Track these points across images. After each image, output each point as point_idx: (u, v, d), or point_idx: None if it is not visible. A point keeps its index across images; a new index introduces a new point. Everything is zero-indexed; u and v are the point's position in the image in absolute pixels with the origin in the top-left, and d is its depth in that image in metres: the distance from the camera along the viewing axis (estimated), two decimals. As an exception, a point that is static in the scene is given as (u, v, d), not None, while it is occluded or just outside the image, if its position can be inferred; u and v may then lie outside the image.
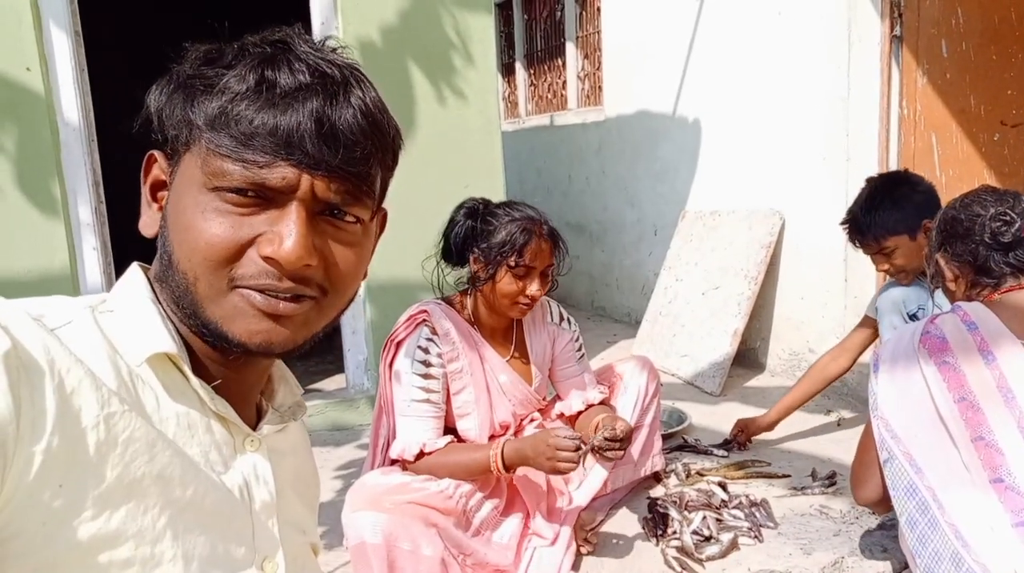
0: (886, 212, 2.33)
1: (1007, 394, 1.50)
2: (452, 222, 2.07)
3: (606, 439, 1.87)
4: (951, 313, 1.66)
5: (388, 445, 2.09)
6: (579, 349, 2.33)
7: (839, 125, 3.28)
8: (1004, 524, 1.45)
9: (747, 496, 2.33)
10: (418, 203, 3.20)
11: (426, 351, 1.99)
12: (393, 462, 2.03)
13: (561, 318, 2.31)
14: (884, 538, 2.06)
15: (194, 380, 0.69)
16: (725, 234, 3.87)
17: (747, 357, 3.88)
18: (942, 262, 1.77)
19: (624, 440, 1.90)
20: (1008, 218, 1.64)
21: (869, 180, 2.48)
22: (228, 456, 0.72)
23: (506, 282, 2.00)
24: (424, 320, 2.04)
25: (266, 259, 0.65)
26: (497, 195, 3.27)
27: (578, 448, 1.84)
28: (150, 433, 0.64)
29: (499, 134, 3.40)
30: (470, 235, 2.04)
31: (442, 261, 2.11)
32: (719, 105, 4.00)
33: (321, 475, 2.95)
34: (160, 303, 0.71)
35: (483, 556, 1.98)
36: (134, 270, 0.74)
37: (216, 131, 0.64)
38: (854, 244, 2.46)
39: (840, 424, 3.06)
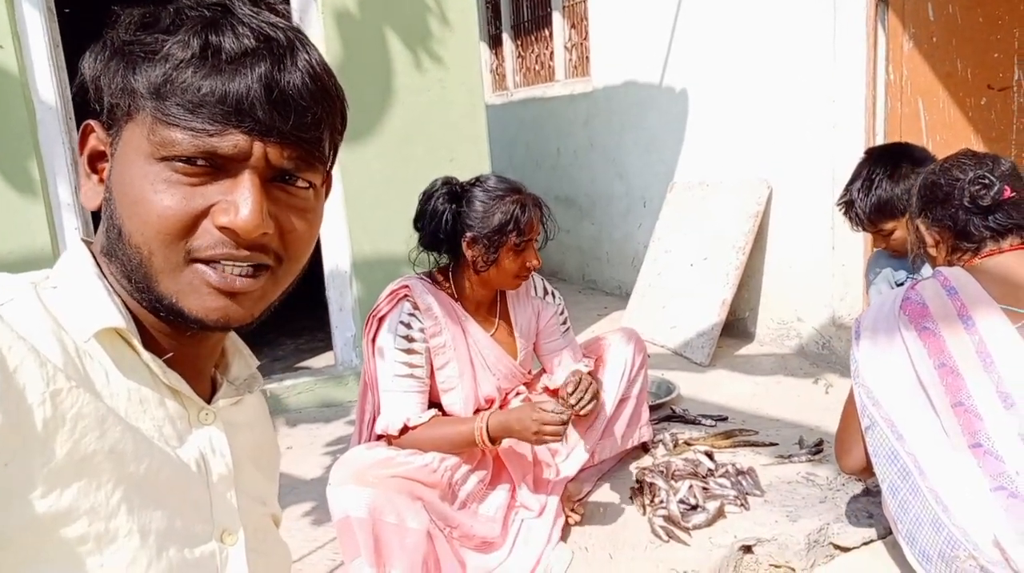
0: (884, 193, 2.18)
1: (986, 359, 1.50)
2: (434, 211, 2.01)
3: (570, 394, 1.96)
4: (932, 278, 1.66)
5: (374, 421, 2.09)
6: (564, 322, 2.33)
7: (825, 92, 3.25)
8: (983, 488, 1.46)
9: (733, 465, 2.34)
10: (403, 178, 3.19)
11: (408, 326, 1.98)
12: (379, 437, 2.03)
13: (545, 292, 2.30)
14: (870, 504, 2.07)
15: (145, 354, 0.68)
16: (713, 205, 3.86)
17: (736, 327, 3.88)
18: (922, 227, 1.76)
19: (587, 390, 2.02)
20: (987, 181, 1.62)
21: (869, 152, 2.35)
22: (183, 430, 0.71)
23: (509, 260, 2.00)
24: (406, 295, 2.03)
25: (221, 229, 0.64)
26: (483, 168, 3.25)
27: (564, 421, 1.85)
28: (100, 409, 0.63)
29: (483, 105, 3.37)
30: (457, 221, 2.00)
31: (424, 251, 2.08)
32: (705, 74, 3.96)
33: (310, 452, 2.95)
34: (106, 278, 0.69)
35: (470, 528, 1.98)
36: (77, 245, 0.72)
37: (162, 100, 0.62)
38: (851, 225, 2.33)
39: (828, 392, 3.07)
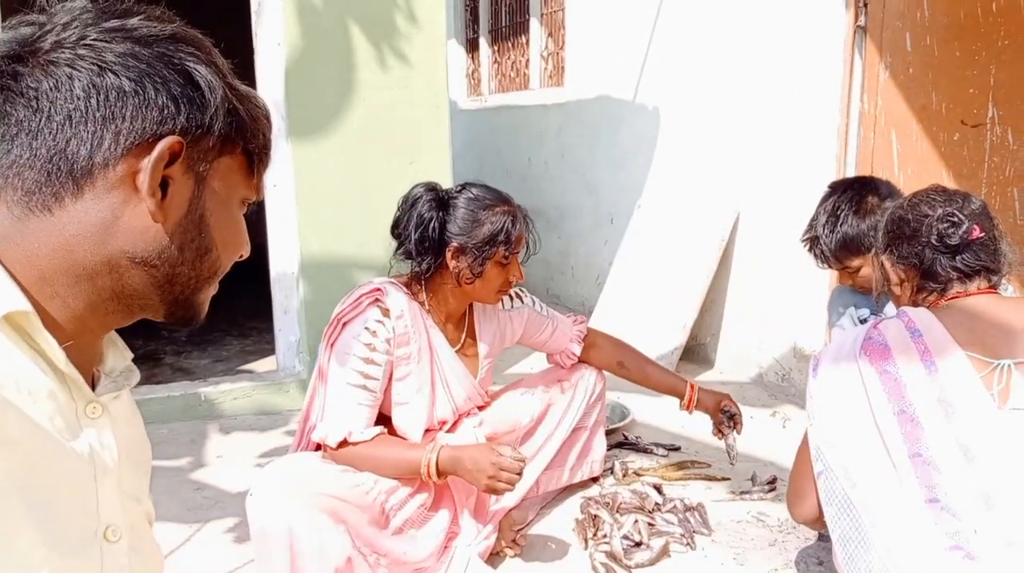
0: (850, 229, 2.09)
1: (948, 408, 1.40)
2: (420, 218, 1.88)
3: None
4: (895, 318, 1.57)
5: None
6: (541, 310, 2.26)
7: (799, 117, 3.19)
8: (938, 547, 1.36)
9: (682, 500, 2.23)
10: (359, 177, 3.06)
11: (373, 334, 1.85)
12: (317, 447, 1.90)
13: (511, 299, 2.19)
14: (820, 550, 1.98)
15: (50, 341, 0.66)
16: (680, 226, 3.77)
17: (696, 352, 3.80)
18: (887, 264, 1.67)
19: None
20: (956, 219, 1.53)
21: (832, 188, 2.25)
22: (72, 423, 0.70)
23: (495, 274, 1.90)
24: (377, 299, 1.88)
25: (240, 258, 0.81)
26: (444, 172, 3.14)
27: (521, 471, 1.75)
28: None
29: (447, 107, 3.24)
30: (444, 229, 1.88)
31: (402, 257, 1.95)
32: (679, 93, 3.89)
33: (240, 462, 2.77)
34: (3, 265, 0.67)
35: (401, 555, 1.85)
36: None
37: (260, 155, 0.78)
38: (816, 262, 2.24)
39: (785, 426, 2.99)
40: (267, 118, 0.77)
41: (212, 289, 0.78)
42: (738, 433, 2.21)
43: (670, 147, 3.99)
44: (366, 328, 1.84)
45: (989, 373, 1.41)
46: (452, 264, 1.89)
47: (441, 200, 1.92)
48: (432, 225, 1.87)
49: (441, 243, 1.89)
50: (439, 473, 1.80)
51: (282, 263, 3.11)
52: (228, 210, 0.76)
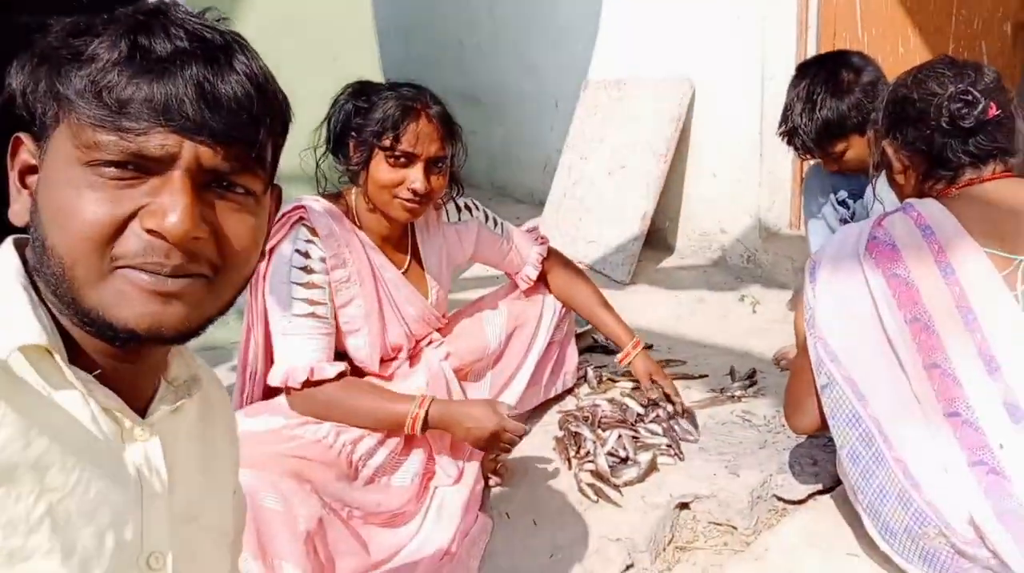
0: (830, 113, 1.95)
1: (967, 314, 1.28)
2: (334, 105, 1.76)
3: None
4: (902, 213, 1.42)
5: (258, 373, 1.78)
6: (495, 225, 2.08)
7: (756, -22, 2.93)
8: (959, 463, 1.27)
9: (665, 407, 2.13)
10: (277, 78, 2.72)
11: (306, 255, 1.66)
12: (271, 393, 1.73)
13: (459, 210, 2.00)
14: (814, 448, 1.90)
15: (68, 373, 0.64)
16: (631, 106, 3.54)
17: (655, 238, 3.66)
18: (890, 150, 1.50)
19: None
20: (970, 98, 1.36)
21: (801, 70, 2.07)
22: (116, 447, 0.68)
23: (383, 170, 1.67)
24: (301, 218, 1.68)
25: (150, 233, 0.62)
26: (372, 67, 2.82)
27: (523, 435, 1.73)
28: (22, 421, 0.60)
29: (370, -6, 2.88)
30: (349, 118, 1.70)
31: (328, 154, 1.78)
32: (622, -44, 3.55)
33: None
34: (35, 287, 0.66)
35: (375, 507, 1.72)
36: (6, 248, 0.69)
37: (87, 102, 0.61)
38: (797, 153, 2.10)
39: (755, 310, 2.91)
40: (100, 45, 0.62)
41: (110, 283, 0.63)
42: (679, 415, 2.08)
43: (615, 18, 3.68)
44: (296, 250, 1.66)
45: (1012, 271, 1.29)
46: (351, 156, 1.72)
47: (359, 91, 1.74)
48: (342, 112, 1.73)
49: (344, 132, 1.72)
50: (424, 429, 1.68)
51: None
52: (57, 182, 0.63)
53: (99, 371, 0.67)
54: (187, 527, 0.77)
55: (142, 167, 0.62)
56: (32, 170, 0.67)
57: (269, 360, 1.76)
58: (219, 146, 0.64)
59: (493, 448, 1.73)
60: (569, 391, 2.35)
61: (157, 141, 0.62)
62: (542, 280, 2.21)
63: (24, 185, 0.68)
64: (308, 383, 1.65)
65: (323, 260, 1.68)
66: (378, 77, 2.78)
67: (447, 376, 1.93)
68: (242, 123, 0.65)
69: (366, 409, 1.69)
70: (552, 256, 2.21)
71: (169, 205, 0.62)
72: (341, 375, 1.69)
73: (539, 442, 2.11)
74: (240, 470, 1.49)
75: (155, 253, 0.63)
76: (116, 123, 0.61)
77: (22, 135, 0.68)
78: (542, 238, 2.22)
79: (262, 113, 0.67)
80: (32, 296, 0.65)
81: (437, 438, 1.86)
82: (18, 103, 0.66)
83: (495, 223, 2.09)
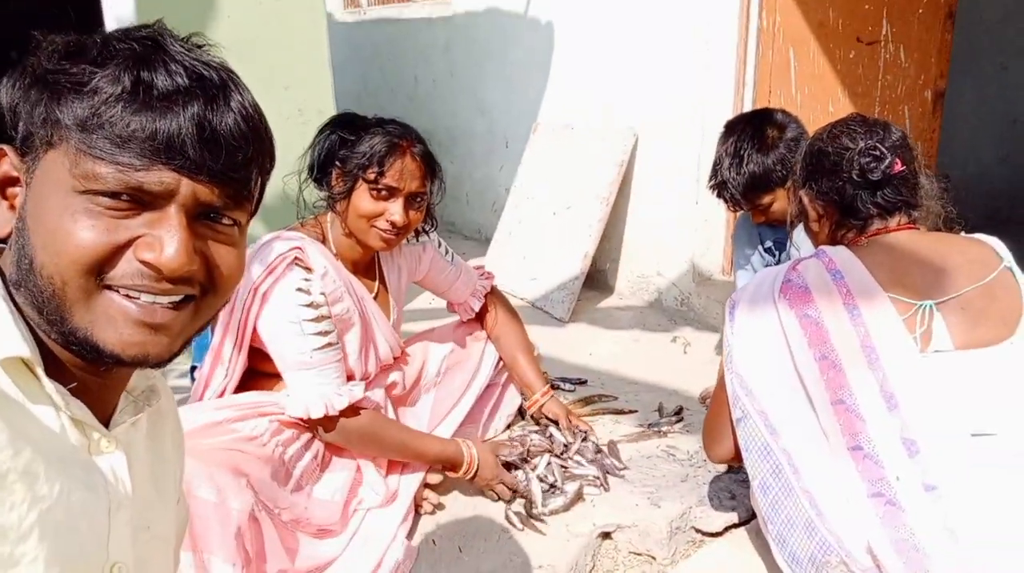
0: (756, 167, 2.04)
1: (871, 354, 1.37)
2: (320, 133, 1.82)
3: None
4: (815, 258, 1.51)
5: (227, 389, 1.80)
6: (446, 252, 2.15)
7: (696, 35, 3.07)
8: (860, 494, 1.34)
9: (593, 441, 2.18)
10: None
11: (307, 293, 1.69)
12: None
13: (416, 233, 2.04)
14: (732, 483, 1.97)
15: (48, 385, 0.65)
16: (578, 150, 3.65)
17: (596, 279, 3.75)
18: (806, 200, 1.60)
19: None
20: (878, 153, 1.47)
21: (729, 127, 2.17)
22: (85, 459, 0.69)
23: (365, 201, 1.72)
24: (296, 258, 1.70)
25: (145, 264, 0.64)
26: (325, 97, 2.86)
27: (516, 490, 1.94)
28: (9, 429, 0.61)
29: (324, 22, 2.92)
30: (335, 148, 1.76)
31: (308, 180, 1.84)
32: (573, 8, 3.69)
33: None
34: (13, 300, 0.67)
35: (303, 511, 1.70)
36: None
37: (88, 133, 0.62)
38: (726, 206, 2.18)
39: (687, 351, 3.00)
40: (103, 78, 0.63)
41: (97, 305, 0.64)
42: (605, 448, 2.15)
43: (565, 65, 3.81)
44: (298, 289, 1.68)
45: (911, 315, 1.38)
46: (333, 186, 1.78)
47: (346, 122, 1.81)
48: (323, 142, 1.79)
49: (327, 161, 1.78)
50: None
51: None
52: (49, 204, 0.64)
53: (74, 384, 0.68)
54: (142, 536, 0.77)
55: (137, 199, 0.64)
56: (13, 182, 0.68)
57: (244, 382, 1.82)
58: (216, 185, 0.66)
59: (492, 490, 1.94)
60: (507, 427, 2.38)
61: (156, 177, 0.63)
62: (480, 318, 2.26)
63: (3, 196, 0.68)
64: (348, 409, 1.72)
65: (323, 294, 1.73)
66: (330, 108, 2.83)
67: (383, 402, 1.95)
68: (237, 164, 0.67)
69: (405, 447, 1.87)
70: (494, 294, 2.29)
71: (166, 240, 0.64)
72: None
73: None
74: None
75: (147, 278, 0.65)
76: (116, 157, 0.62)
77: (5, 147, 0.68)
78: (488, 274, 2.29)
79: (256, 153, 0.69)
80: (12, 307, 0.66)
81: (367, 458, 1.87)
82: (6, 118, 0.67)
83: (446, 251, 2.16)
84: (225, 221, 0.70)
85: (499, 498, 1.93)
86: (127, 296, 0.65)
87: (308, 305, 1.69)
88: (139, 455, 0.77)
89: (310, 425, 1.75)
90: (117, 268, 0.64)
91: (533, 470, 2.01)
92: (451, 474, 1.92)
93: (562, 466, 2.07)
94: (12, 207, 0.67)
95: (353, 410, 1.76)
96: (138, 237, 0.64)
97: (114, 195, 0.63)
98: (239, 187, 0.68)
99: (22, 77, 0.65)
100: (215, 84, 0.66)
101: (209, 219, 0.68)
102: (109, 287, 0.64)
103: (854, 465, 1.35)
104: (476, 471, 1.91)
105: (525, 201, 3.87)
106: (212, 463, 1.48)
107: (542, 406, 2.24)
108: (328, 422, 1.74)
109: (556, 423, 2.21)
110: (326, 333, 1.71)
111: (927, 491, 1.30)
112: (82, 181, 0.62)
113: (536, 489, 1.95)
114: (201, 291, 0.69)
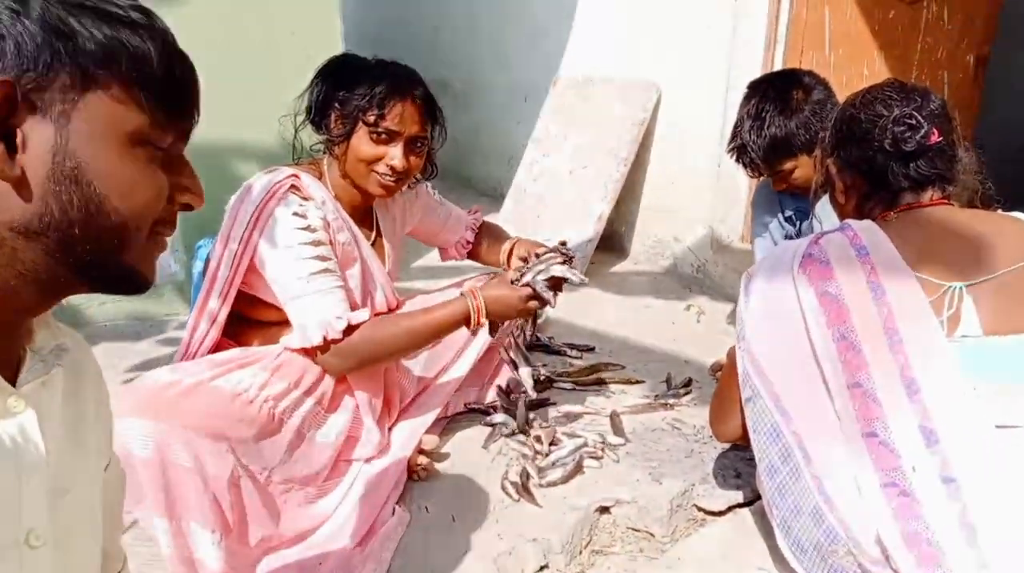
0: (778, 131, 1.94)
1: (893, 336, 1.27)
2: (318, 75, 1.77)
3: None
4: (839, 232, 1.41)
5: (205, 339, 1.75)
6: (436, 196, 2.13)
7: (728, -11, 2.92)
8: (872, 483, 1.27)
9: (593, 413, 2.11)
10: (233, 53, 2.63)
11: (303, 216, 1.66)
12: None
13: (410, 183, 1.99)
14: (738, 461, 1.90)
15: None
16: (598, 106, 3.52)
17: (611, 241, 3.64)
18: (834, 169, 1.49)
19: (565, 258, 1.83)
20: (914, 122, 1.36)
21: (752, 87, 2.06)
22: None
23: (364, 144, 1.68)
24: (294, 185, 1.68)
25: (182, 207, 0.73)
26: (333, 43, 2.76)
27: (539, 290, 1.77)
28: None
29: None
30: (334, 89, 1.71)
31: (305, 122, 1.79)
32: (600, -45, 3.52)
33: (110, 378, 2.45)
34: None
35: (295, 467, 1.66)
36: None
37: (138, 80, 0.66)
38: (745, 170, 2.09)
39: (699, 320, 2.91)
40: (156, 38, 0.67)
41: (146, 245, 0.70)
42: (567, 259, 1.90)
43: (588, 19, 3.66)
44: (294, 213, 1.65)
45: (939, 297, 1.28)
46: (332, 128, 1.73)
47: (345, 63, 1.76)
48: (326, 82, 1.74)
49: (327, 104, 1.73)
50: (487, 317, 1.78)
51: (148, 149, 2.71)
52: (111, 153, 0.65)
53: None
54: (60, 501, 0.74)
55: (169, 150, 0.70)
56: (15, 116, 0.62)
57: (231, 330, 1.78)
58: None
59: (530, 308, 1.80)
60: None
61: (183, 129, 0.72)
62: (473, 254, 2.26)
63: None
64: (348, 331, 1.66)
65: (323, 219, 1.69)
66: (338, 50, 2.72)
67: None
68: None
69: (414, 331, 1.75)
70: (485, 226, 2.28)
71: (197, 185, 0.74)
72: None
73: (465, 442, 2.07)
74: (154, 424, 1.44)
75: (172, 222, 0.73)
76: (179, 118, 0.70)
77: (11, 80, 0.62)
78: (475, 208, 2.28)
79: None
80: None
81: (366, 398, 1.82)
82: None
83: (436, 193, 2.14)
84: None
85: (542, 307, 1.82)
86: (160, 233, 0.72)
87: (304, 228, 1.66)
88: (53, 415, 0.73)
89: (313, 356, 1.70)
90: (163, 212, 0.71)
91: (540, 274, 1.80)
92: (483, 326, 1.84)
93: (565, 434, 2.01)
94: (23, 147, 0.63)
95: (351, 331, 1.70)
96: (179, 184, 0.72)
97: (159, 147, 0.68)
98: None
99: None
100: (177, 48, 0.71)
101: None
102: (157, 234, 0.71)
103: (868, 452, 1.27)
104: (487, 313, 1.79)
105: (542, 158, 3.75)
106: (190, 428, 1.43)
107: (511, 252, 2.12)
108: (330, 349, 1.68)
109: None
110: (324, 258, 1.67)
111: (945, 484, 1.22)
112: (152, 129, 0.67)
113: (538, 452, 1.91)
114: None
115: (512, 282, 1.79)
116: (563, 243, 1.91)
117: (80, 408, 0.79)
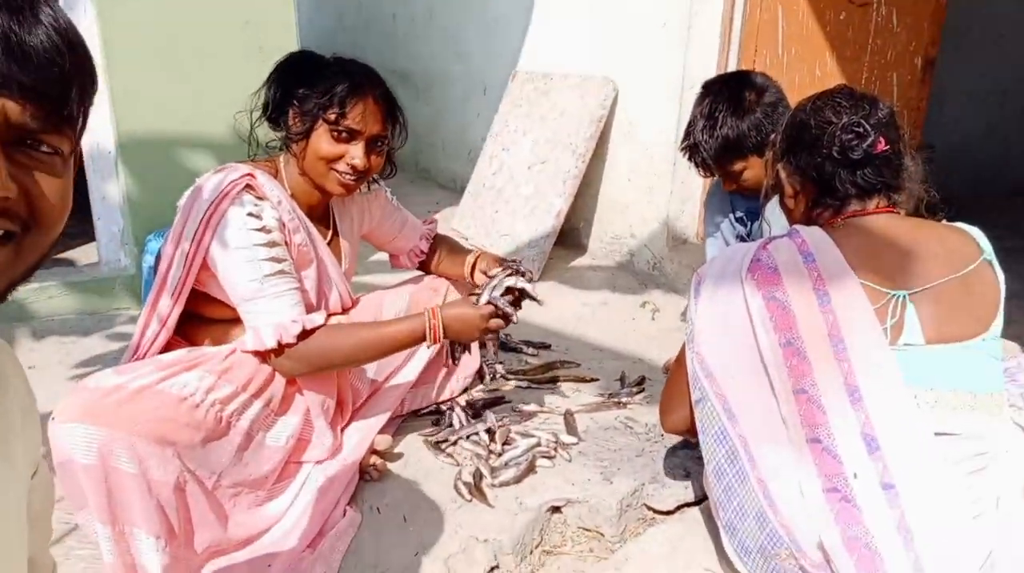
0: (730, 131, 1.95)
1: (837, 343, 1.30)
2: (276, 70, 1.73)
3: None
4: (787, 238, 1.43)
5: (156, 339, 1.71)
6: (393, 199, 2.11)
7: (686, -13, 2.93)
8: (815, 488, 1.29)
9: (547, 412, 2.11)
10: (183, 42, 2.57)
11: (257, 217, 1.61)
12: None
13: (367, 184, 1.98)
14: (687, 460, 1.92)
15: None
16: (556, 101, 3.51)
17: (569, 237, 3.65)
18: (783, 174, 1.51)
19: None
20: (861, 130, 1.38)
21: (706, 87, 2.07)
22: None
23: (324, 142, 1.65)
24: (248, 185, 1.63)
25: None
26: (288, 34, 2.70)
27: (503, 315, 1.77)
28: None
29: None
30: (292, 86, 1.67)
31: (262, 119, 1.75)
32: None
33: (56, 374, 2.37)
34: None
35: (244, 471, 1.63)
36: None
37: None
38: (697, 170, 2.10)
39: (654, 318, 2.93)
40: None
41: None
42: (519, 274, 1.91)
43: (548, 13, 3.64)
44: (249, 214, 1.61)
45: (883, 305, 1.30)
46: (291, 126, 1.70)
47: (304, 60, 1.72)
48: (284, 79, 1.70)
49: (285, 101, 1.69)
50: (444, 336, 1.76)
51: (95, 141, 2.63)
52: None
53: None
54: None
55: None
56: None
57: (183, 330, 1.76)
58: (27, 102, 0.61)
59: (491, 328, 1.77)
60: (464, 391, 2.31)
61: None
62: (425, 266, 2.24)
63: None
64: (302, 335, 1.63)
65: (278, 220, 1.65)
66: (293, 46, 2.67)
67: None
68: (52, 78, 0.62)
69: (369, 344, 1.71)
70: (439, 238, 2.26)
71: None
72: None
73: (419, 442, 2.06)
74: (97, 430, 1.40)
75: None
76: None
77: None
78: (431, 219, 2.26)
79: (73, 69, 0.63)
80: None
81: (318, 401, 1.80)
82: None
83: (393, 199, 2.11)
84: (44, 148, 0.65)
85: (502, 325, 1.78)
86: None
87: (259, 229, 1.62)
88: None
89: (266, 358, 1.67)
90: None
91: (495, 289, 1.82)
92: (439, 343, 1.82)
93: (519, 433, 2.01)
94: None
95: (307, 336, 1.67)
96: None
97: None
98: (55, 106, 0.63)
99: None
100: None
101: (26, 147, 0.63)
102: None
103: (811, 458, 1.29)
104: (445, 332, 1.76)
105: (500, 152, 3.74)
106: (135, 433, 1.39)
107: (475, 265, 2.11)
108: (283, 352, 1.65)
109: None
110: (279, 260, 1.64)
111: (885, 490, 1.25)
112: None
113: (490, 455, 1.90)
114: (23, 227, 0.64)
115: (474, 302, 1.77)
116: (515, 261, 1.93)
117: (6, 421, 0.76)
